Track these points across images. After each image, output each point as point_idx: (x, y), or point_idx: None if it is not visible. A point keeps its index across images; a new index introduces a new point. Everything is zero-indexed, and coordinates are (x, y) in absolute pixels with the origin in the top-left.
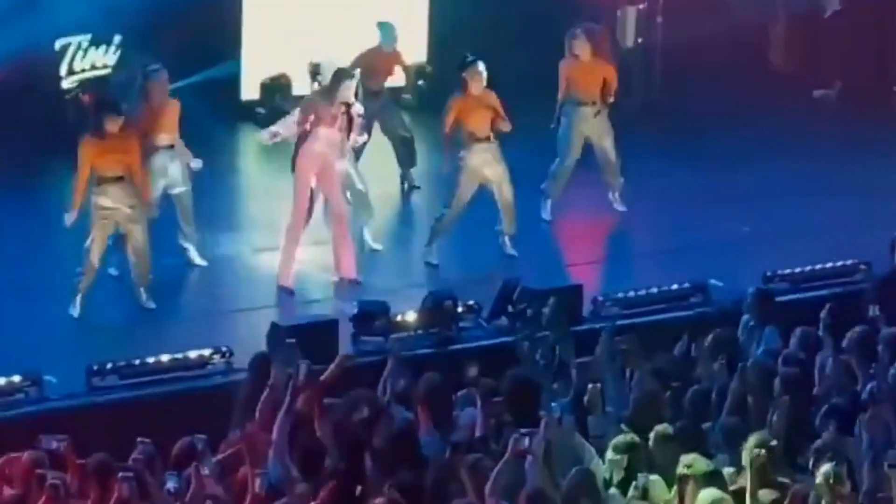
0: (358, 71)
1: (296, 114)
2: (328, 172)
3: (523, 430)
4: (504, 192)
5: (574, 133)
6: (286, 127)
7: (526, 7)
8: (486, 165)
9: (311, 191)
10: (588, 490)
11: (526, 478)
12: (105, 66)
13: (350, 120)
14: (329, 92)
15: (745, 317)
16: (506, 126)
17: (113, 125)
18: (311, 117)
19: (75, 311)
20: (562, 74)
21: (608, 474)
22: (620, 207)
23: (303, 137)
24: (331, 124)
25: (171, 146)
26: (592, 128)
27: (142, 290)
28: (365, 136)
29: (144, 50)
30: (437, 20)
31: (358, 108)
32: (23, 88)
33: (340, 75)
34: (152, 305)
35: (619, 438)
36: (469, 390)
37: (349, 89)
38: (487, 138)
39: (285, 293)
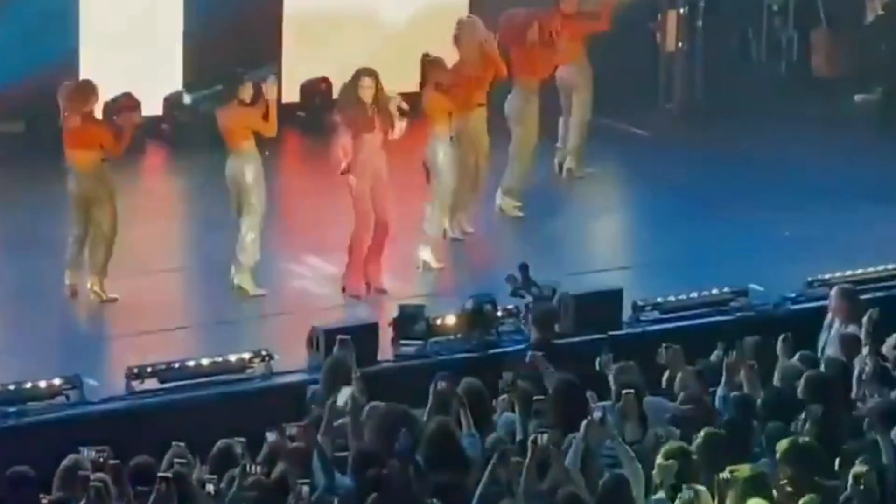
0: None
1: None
2: (378, 182)
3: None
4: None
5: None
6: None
7: None
8: None
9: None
10: (622, 496)
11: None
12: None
13: (384, 115)
14: (350, 95)
15: (829, 317)
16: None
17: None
18: (349, 119)
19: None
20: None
21: (658, 480)
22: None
23: (349, 146)
24: (369, 128)
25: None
26: None
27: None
28: (403, 123)
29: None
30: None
31: (385, 100)
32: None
33: (357, 74)
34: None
35: (671, 444)
36: (508, 395)
37: (368, 87)
38: None
39: (351, 300)
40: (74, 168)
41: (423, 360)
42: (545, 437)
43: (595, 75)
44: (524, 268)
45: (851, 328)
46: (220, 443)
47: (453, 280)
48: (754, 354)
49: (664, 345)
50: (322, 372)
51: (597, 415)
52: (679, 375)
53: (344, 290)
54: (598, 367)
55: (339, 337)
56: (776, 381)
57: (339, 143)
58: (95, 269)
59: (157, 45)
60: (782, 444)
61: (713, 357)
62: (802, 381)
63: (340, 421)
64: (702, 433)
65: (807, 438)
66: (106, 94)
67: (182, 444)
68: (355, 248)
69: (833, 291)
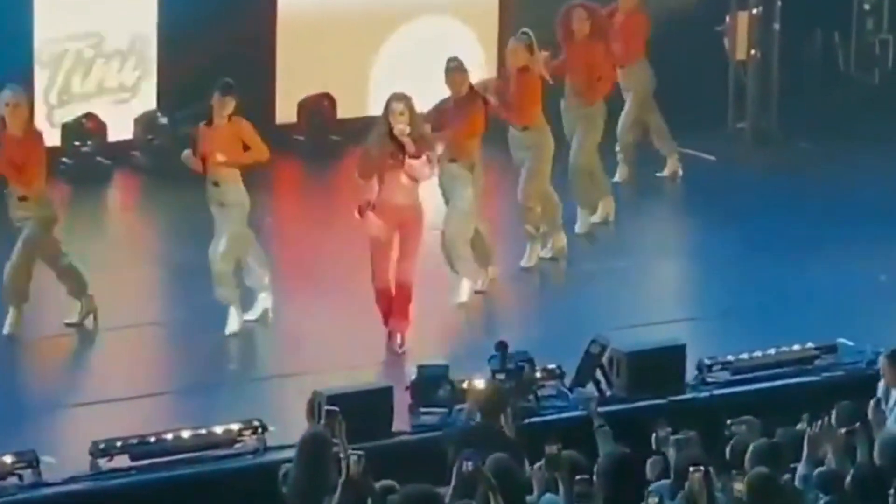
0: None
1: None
2: (407, 229)
3: None
4: None
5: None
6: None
7: None
8: None
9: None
10: None
11: None
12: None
13: (421, 145)
14: (383, 125)
15: (883, 386)
16: None
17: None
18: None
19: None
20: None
21: None
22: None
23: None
24: (393, 165)
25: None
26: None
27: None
28: (428, 170)
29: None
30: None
31: (402, 130)
32: None
33: (388, 101)
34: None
35: None
36: (548, 470)
37: (401, 115)
38: None
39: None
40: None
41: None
42: None
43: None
44: (502, 346)
45: None
46: None
47: (482, 334)
48: (845, 423)
49: (735, 419)
50: (296, 450)
51: (653, 500)
52: (749, 451)
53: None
54: (653, 445)
55: (325, 408)
56: (875, 455)
57: (352, 175)
58: None
59: (127, 59)
60: None
61: (799, 427)
62: None
63: None
64: None
65: None
66: (67, 114)
67: None
68: (380, 301)
69: (882, 358)
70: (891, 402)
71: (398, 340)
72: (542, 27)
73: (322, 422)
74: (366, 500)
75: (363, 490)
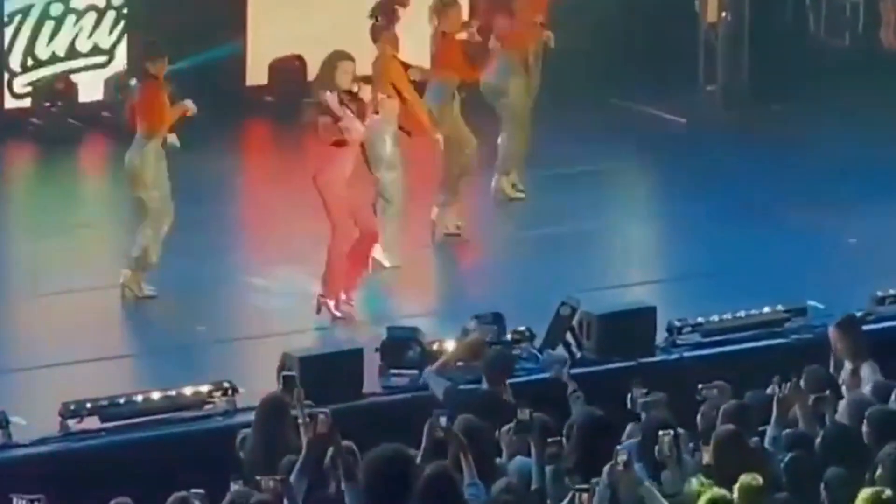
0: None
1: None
2: (357, 183)
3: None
4: None
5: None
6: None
7: None
8: None
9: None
10: None
11: None
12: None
13: (361, 107)
14: (324, 83)
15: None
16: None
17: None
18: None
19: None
20: None
21: None
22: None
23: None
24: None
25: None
26: None
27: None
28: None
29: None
30: None
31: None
32: None
33: (333, 58)
34: None
35: (716, 492)
36: (518, 434)
37: (346, 73)
38: None
39: (331, 322)
40: None
41: (417, 393)
42: (585, 496)
43: (622, 52)
44: (497, 317)
45: (865, 369)
46: (175, 497)
47: (449, 296)
48: (814, 386)
49: (706, 384)
50: (255, 414)
51: (621, 458)
52: (719, 414)
53: (319, 310)
54: (629, 405)
55: (282, 374)
56: (841, 416)
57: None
58: None
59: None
60: (864, 497)
61: (769, 390)
62: (866, 417)
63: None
64: (740, 480)
65: (889, 492)
66: (36, 76)
67: (127, 499)
68: (333, 260)
69: (831, 328)
70: (844, 374)
71: (343, 296)
72: None
73: (280, 387)
74: (333, 459)
75: (330, 448)
